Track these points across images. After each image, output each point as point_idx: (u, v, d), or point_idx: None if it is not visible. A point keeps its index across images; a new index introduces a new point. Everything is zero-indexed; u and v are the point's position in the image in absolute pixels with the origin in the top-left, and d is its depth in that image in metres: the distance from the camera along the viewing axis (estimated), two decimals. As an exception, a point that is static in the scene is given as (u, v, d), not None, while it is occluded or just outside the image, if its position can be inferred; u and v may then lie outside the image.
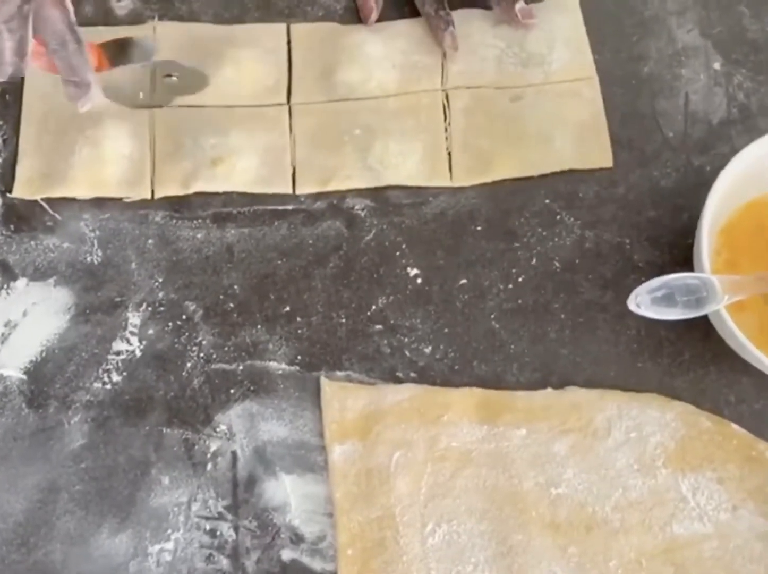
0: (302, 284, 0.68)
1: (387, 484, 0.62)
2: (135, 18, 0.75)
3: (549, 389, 0.65)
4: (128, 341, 0.66)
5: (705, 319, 0.63)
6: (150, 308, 0.67)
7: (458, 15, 0.74)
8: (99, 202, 0.70)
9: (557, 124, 0.72)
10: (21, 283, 0.67)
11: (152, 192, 0.70)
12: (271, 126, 0.72)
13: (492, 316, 0.67)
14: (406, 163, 0.70)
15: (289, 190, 0.70)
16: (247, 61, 0.73)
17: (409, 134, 0.71)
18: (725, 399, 0.65)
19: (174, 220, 0.69)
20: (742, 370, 0.64)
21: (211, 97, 0.72)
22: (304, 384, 0.65)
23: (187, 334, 0.66)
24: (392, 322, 0.67)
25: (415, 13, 0.75)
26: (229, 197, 0.70)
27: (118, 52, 0.66)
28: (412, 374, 0.65)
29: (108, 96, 0.68)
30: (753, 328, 0.62)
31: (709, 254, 0.60)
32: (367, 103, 0.73)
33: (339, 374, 0.65)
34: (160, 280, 0.68)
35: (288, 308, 0.67)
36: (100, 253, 0.68)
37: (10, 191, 0.69)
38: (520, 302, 0.67)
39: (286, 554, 0.61)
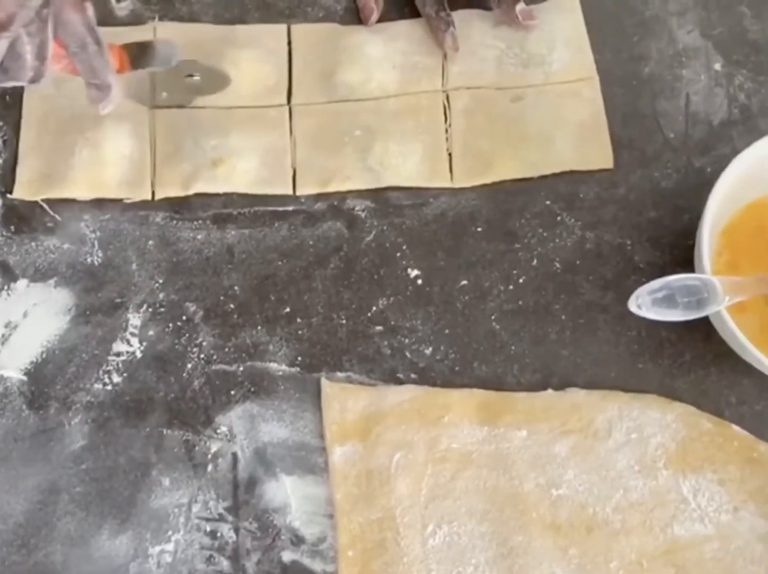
0: (303, 285, 0.68)
1: (387, 485, 0.62)
2: (135, 19, 0.75)
3: (550, 391, 0.65)
4: (128, 342, 0.66)
5: (706, 320, 0.62)
6: (150, 309, 0.67)
7: (458, 16, 0.74)
8: (99, 203, 0.70)
9: (558, 124, 0.72)
10: (21, 284, 0.67)
11: (152, 193, 0.70)
12: (271, 127, 0.72)
13: (492, 317, 0.67)
14: (406, 164, 0.70)
15: (290, 191, 0.70)
16: (247, 61, 0.73)
17: (410, 135, 0.71)
18: (726, 400, 0.65)
19: (174, 221, 0.69)
20: (743, 371, 0.64)
21: (211, 97, 0.72)
22: (304, 385, 0.65)
23: (187, 335, 0.66)
24: (393, 323, 0.67)
25: (415, 14, 0.75)
26: (229, 198, 0.70)
27: (139, 54, 0.65)
28: (413, 375, 0.65)
29: (129, 97, 0.67)
30: (754, 329, 0.62)
31: (709, 255, 0.60)
32: (368, 104, 0.72)
33: (339, 375, 0.65)
34: (161, 281, 0.68)
35: (288, 309, 0.67)
36: (100, 254, 0.68)
37: (11, 192, 0.69)
38: (520, 303, 0.67)
39: (287, 556, 0.61)
